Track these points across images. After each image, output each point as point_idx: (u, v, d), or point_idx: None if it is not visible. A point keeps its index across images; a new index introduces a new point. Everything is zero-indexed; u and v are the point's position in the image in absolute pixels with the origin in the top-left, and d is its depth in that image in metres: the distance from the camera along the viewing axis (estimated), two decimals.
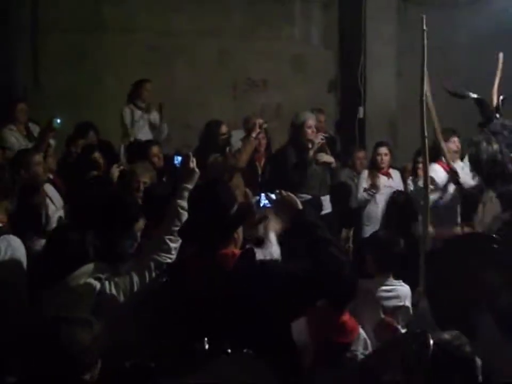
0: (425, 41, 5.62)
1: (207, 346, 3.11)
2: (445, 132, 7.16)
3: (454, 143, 7.79)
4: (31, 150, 6.66)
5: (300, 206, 3.70)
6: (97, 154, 7.15)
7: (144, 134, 9.08)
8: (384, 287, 4.89)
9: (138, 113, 9.23)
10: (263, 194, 3.85)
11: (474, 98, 6.10)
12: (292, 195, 3.76)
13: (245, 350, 3.10)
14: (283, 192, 3.77)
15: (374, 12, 10.98)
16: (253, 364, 3.03)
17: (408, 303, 4.97)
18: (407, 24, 11.16)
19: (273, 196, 3.79)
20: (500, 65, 6.38)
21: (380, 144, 8.48)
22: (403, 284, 4.99)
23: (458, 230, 6.98)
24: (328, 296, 3.76)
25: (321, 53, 11.38)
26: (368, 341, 4.38)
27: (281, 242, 3.97)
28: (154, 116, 9.34)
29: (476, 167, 6.12)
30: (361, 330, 4.36)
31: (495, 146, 5.84)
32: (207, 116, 8.90)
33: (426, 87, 5.54)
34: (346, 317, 4.22)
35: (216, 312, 3.38)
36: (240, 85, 11.22)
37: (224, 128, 7.60)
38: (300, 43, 11.48)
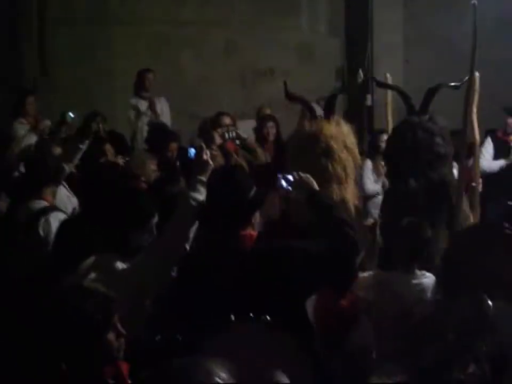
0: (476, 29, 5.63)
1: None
2: None
3: None
4: (50, 142, 6.80)
5: (316, 187, 3.74)
6: (107, 147, 7.18)
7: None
8: (407, 281, 4.66)
9: (143, 104, 9.23)
10: (280, 176, 3.87)
11: None
12: (309, 176, 3.79)
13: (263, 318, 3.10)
14: (300, 173, 3.81)
15: None
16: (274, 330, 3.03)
17: (430, 295, 4.58)
18: (414, 12, 11.19)
19: (290, 177, 3.82)
20: (477, 86, 6.24)
21: (381, 131, 8.30)
22: (427, 274, 4.71)
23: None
24: (335, 277, 3.79)
25: (328, 41, 11.39)
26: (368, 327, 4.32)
27: (297, 222, 4.02)
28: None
29: None
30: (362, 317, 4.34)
31: None
32: (216, 106, 8.93)
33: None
34: (346, 302, 4.22)
35: (234, 290, 3.43)
36: (248, 74, 11.24)
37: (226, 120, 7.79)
38: (307, 32, 11.51)
